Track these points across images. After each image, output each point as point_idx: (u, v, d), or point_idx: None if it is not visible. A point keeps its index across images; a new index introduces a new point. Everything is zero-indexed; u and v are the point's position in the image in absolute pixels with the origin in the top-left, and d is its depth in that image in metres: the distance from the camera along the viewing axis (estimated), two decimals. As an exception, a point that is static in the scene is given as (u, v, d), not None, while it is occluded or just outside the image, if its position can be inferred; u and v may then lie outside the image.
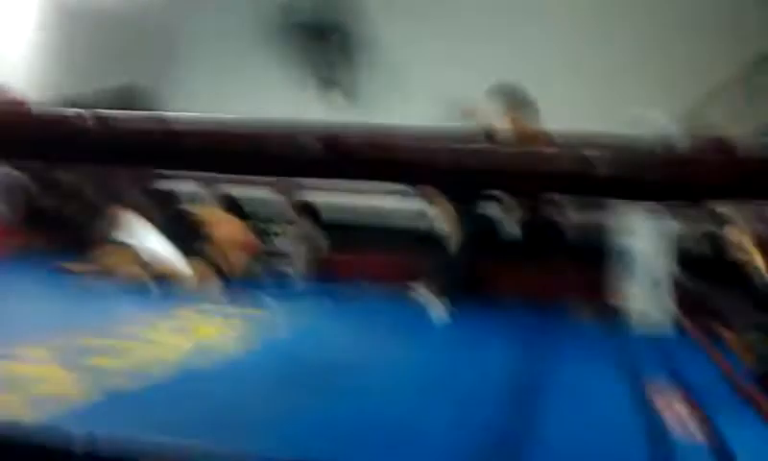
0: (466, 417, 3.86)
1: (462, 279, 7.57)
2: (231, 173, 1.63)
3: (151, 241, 7.78)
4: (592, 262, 8.07)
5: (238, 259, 8.12)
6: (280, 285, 8.07)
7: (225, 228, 8.20)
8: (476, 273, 7.87)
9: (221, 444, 3.03)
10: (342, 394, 4.14)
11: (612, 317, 7.25)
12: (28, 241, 9.28)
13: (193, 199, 8.75)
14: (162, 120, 1.51)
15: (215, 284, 7.57)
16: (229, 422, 3.50)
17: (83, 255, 7.89)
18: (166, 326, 5.61)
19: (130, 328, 5.32)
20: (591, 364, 5.37)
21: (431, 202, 7.97)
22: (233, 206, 8.71)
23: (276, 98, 9.20)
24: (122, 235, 7.86)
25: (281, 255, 8.71)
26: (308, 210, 9.07)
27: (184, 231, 8.02)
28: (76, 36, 10.60)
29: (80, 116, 1.47)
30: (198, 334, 5.36)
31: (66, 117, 1.49)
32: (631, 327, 7.07)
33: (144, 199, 9.13)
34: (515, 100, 7.57)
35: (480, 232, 7.72)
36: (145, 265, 7.63)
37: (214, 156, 1.49)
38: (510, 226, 7.99)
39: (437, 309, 7.18)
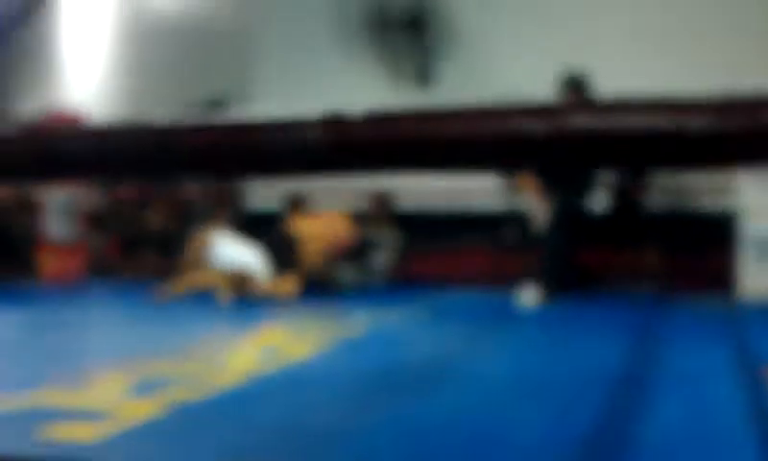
0: (565, 418, 3.54)
1: (556, 269, 7.16)
2: (230, 173, 1.38)
3: (239, 258, 7.73)
4: (696, 240, 7.70)
5: (327, 258, 7.98)
6: (366, 288, 7.90)
7: (312, 226, 8.08)
8: (572, 261, 7.44)
9: (294, 457, 2.84)
10: (428, 400, 3.87)
11: (722, 296, 6.83)
12: (106, 264, 9.37)
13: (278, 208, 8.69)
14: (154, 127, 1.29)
15: (301, 296, 7.45)
16: (307, 432, 3.28)
17: (170, 277, 7.93)
18: (250, 342, 5.46)
19: (210, 348, 5.18)
20: (702, 350, 4.98)
21: (519, 186, 7.59)
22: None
23: (360, 94, 9.03)
24: (210, 254, 7.84)
25: (368, 257, 8.53)
26: (387, 209, 8.89)
27: (276, 244, 7.96)
28: (153, 50, 10.66)
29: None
30: (281, 347, 5.18)
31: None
32: (744, 305, 6.62)
33: (232, 216, 9.14)
34: (577, 87, 7.29)
35: (574, 218, 7.28)
36: (234, 283, 7.58)
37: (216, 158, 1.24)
38: (602, 209, 7.59)
39: (531, 303, 6.86)
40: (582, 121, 1.06)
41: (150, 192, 10.23)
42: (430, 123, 1.12)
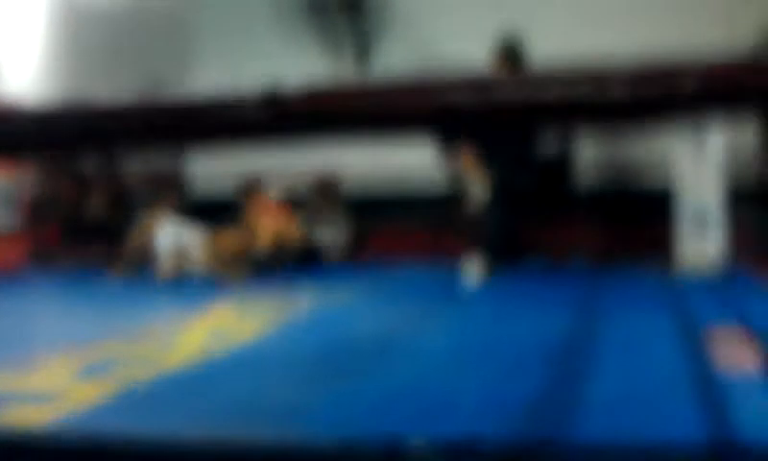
0: (508, 385, 3.62)
1: (497, 244, 7.24)
2: (171, 142, 1.41)
3: (183, 239, 7.76)
4: (635, 214, 7.87)
5: (275, 247, 8.01)
6: (313, 270, 7.94)
7: (264, 217, 8.12)
8: (511, 236, 7.54)
9: (244, 432, 2.86)
10: (374, 372, 3.93)
11: (661, 264, 6.98)
12: (47, 252, 9.27)
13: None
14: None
15: (251, 276, 7.48)
16: (256, 409, 3.31)
17: (114, 260, 7.93)
18: (198, 322, 5.46)
19: (158, 329, 5.17)
20: (643, 318, 5.09)
21: (455, 158, 7.63)
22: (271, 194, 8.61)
23: (300, 75, 9.02)
24: (155, 235, 7.85)
25: (314, 241, 8.56)
26: (330, 190, 8.94)
27: (222, 224, 7.99)
28: (87, 34, 10.51)
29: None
30: (228, 327, 5.19)
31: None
32: (683, 272, 6.78)
33: (176, 202, 9.10)
34: (510, 56, 7.44)
35: (512, 193, 7.37)
36: (179, 264, 7.60)
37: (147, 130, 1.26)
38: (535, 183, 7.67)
39: (473, 279, 6.94)
40: (507, 93, 1.12)
41: (90, 179, 10.12)
42: (364, 96, 1.17)
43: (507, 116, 1.14)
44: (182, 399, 3.56)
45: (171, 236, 7.79)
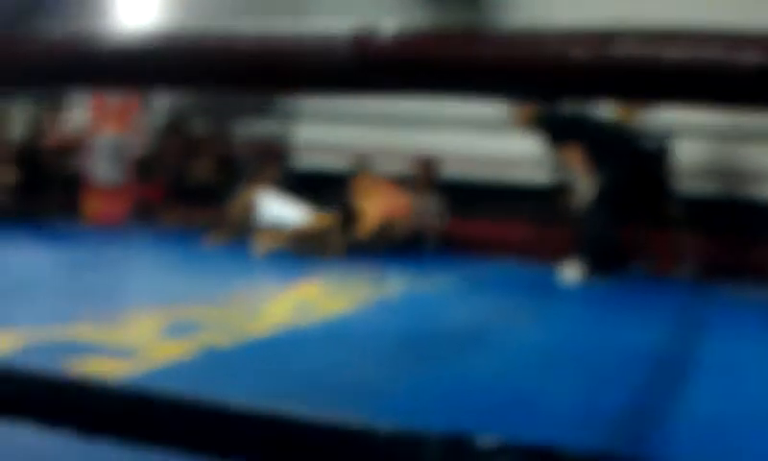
0: (598, 392, 3.46)
1: (599, 246, 6.99)
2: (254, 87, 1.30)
3: (284, 212, 7.76)
4: (743, 227, 7.53)
5: (385, 228, 7.93)
6: (412, 254, 7.84)
7: (376, 197, 8.04)
8: (614, 239, 7.24)
9: (317, 408, 2.78)
10: (458, 361, 3.81)
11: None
12: (150, 210, 9.41)
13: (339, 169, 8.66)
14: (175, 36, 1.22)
15: (348, 252, 7.44)
16: (335, 387, 3.24)
17: (214, 225, 7.99)
18: (286, 295, 5.43)
19: (246, 298, 5.15)
20: (744, 339, 4.85)
21: (565, 158, 7.39)
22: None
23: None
24: (256, 208, 7.87)
25: (419, 224, 8.45)
26: (431, 172, 8.79)
27: (326, 200, 7.96)
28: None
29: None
30: (316, 302, 5.14)
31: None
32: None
33: (279, 173, 9.13)
34: None
35: (618, 194, 7.08)
36: (277, 239, 7.60)
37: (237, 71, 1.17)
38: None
39: (572, 279, 6.74)
40: (628, 49, 0.98)
41: (198, 141, 10.23)
42: (469, 44, 1.04)
43: (626, 75, 0.99)
44: (259, 366, 3.51)
45: (272, 210, 7.79)
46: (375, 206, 7.95)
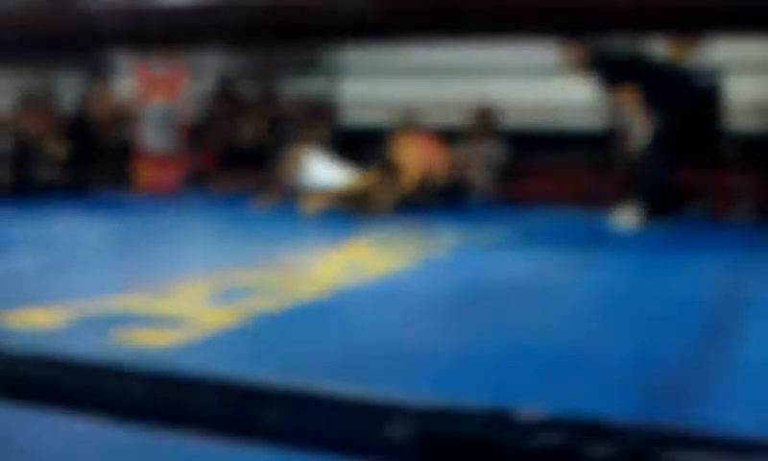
0: (654, 340, 3.36)
1: (654, 191, 6.81)
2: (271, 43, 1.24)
3: (331, 173, 7.72)
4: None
5: (424, 181, 7.86)
6: (461, 207, 7.75)
7: (413, 150, 7.97)
8: (670, 183, 7.05)
9: (365, 373, 2.75)
10: (516, 319, 3.74)
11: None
12: (201, 176, 9.42)
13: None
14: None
15: (393, 211, 7.37)
16: (387, 349, 3.18)
17: (263, 189, 7.98)
18: (334, 256, 5.39)
19: (294, 261, 5.12)
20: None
21: (620, 102, 7.19)
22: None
23: None
24: (302, 173, 7.84)
25: (466, 176, 8.36)
26: (489, 122, 8.67)
27: (373, 161, 7.90)
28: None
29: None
30: (364, 262, 5.08)
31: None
32: None
33: (327, 132, 9.08)
34: None
35: (674, 137, 6.87)
36: (325, 197, 7.56)
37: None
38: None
39: (627, 225, 6.59)
40: None
41: (246, 106, 10.21)
42: None
43: (664, 19, 0.89)
44: (307, 331, 3.47)
45: (320, 172, 7.75)
46: (413, 160, 7.87)
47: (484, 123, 8.69)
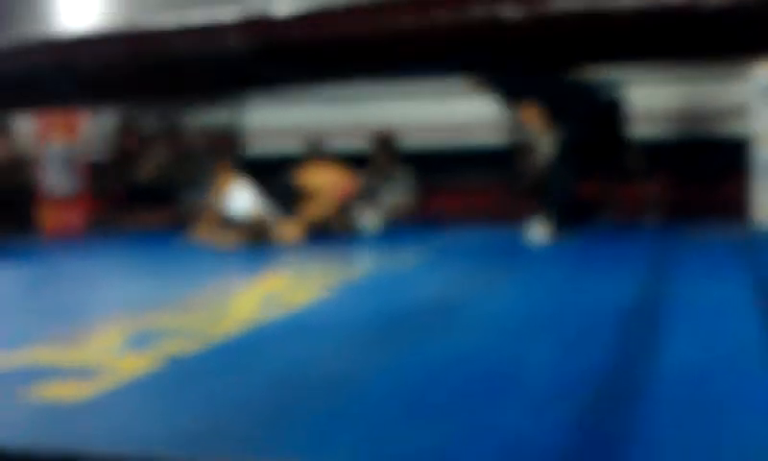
0: (577, 355, 3.39)
1: (563, 203, 6.90)
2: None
3: (245, 204, 7.61)
4: (707, 168, 7.49)
5: (335, 209, 7.82)
6: (370, 233, 7.73)
7: (322, 178, 7.92)
8: (577, 194, 7.16)
9: (299, 408, 2.70)
10: (437, 341, 3.72)
11: (735, 225, 6.64)
12: (108, 216, 9.22)
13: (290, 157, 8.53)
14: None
15: (306, 240, 7.32)
16: (311, 382, 3.13)
17: (177, 226, 7.85)
18: (252, 289, 5.31)
19: (210, 298, 5.03)
20: (717, 282, 4.80)
21: (523, 118, 7.28)
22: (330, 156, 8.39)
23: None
24: (216, 201, 7.73)
25: (372, 202, 8.34)
26: (390, 146, 8.66)
27: (281, 190, 7.82)
28: None
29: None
30: (284, 294, 5.02)
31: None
32: (758, 231, 6.43)
33: (236, 162, 8.99)
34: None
35: (578, 149, 6.98)
36: (239, 229, 7.46)
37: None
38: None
39: (539, 239, 6.67)
40: (568, 4, 0.86)
41: (149, 140, 10.04)
42: (378, 16, 0.91)
43: (565, 33, 0.87)
44: (226, 371, 3.40)
45: (240, 202, 7.63)
46: (325, 187, 7.83)
47: (386, 149, 8.69)
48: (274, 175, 8.02)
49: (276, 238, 7.30)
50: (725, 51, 0.85)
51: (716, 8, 0.80)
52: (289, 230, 7.36)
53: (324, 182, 7.89)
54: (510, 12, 0.86)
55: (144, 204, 9.29)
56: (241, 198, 7.63)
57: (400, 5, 0.89)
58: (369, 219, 7.90)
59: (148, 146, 9.92)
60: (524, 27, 0.86)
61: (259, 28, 0.90)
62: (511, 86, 6.97)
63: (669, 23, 0.84)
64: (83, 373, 3.34)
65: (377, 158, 8.58)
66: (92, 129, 9.88)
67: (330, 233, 7.56)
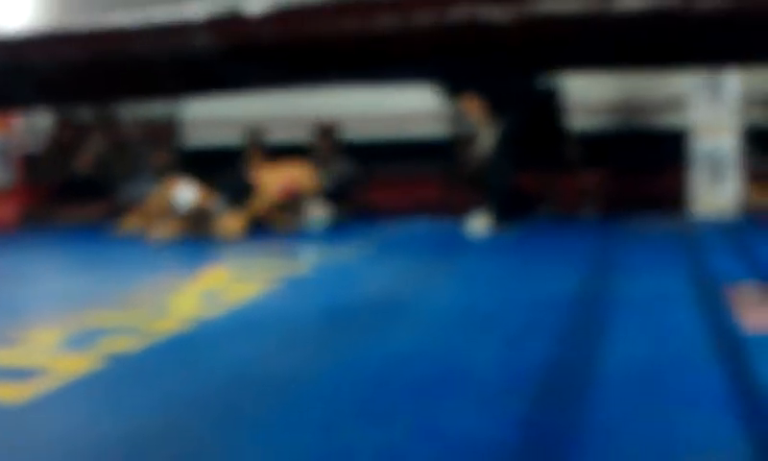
0: (521, 347, 3.41)
1: (503, 195, 6.91)
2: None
3: (187, 197, 7.49)
4: (645, 159, 7.59)
5: (282, 205, 7.71)
6: (318, 228, 7.67)
7: (270, 174, 7.80)
8: (517, 186, 7.18)
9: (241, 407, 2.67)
10: (381, 337, 3.71)
11: (674, 216, 6.74)
12: (42, 210, 9.02)
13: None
14: None
15: (248, 235, 7.23)
16: (253, 380, 3.10)
17: (114, 219, 7.73)
18: (191, 286, 5.24)
19: (150, 295, 4.94)
20: (658, 273, 4.86)
21: (464, 109, 7.28)
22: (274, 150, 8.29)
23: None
24: (173, 200, 7.57)
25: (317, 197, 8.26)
26: (332, 136, 8.58)
27: (229, 184, 7.69)
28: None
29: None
30: (224, 290, 4.96)
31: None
32: (697, 220, 6.54)
33: (171, 153, 8.87)
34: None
35: (518, 141, 6.99)
36: (180, 220, 7.35)
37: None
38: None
39: (480, 231, 6.69)
40: (554, 6, 0.85)
41: (85, 131, 9.84)
42: (347, 16, 0.88)
43: (546, 33, 0.86)
44: (168, 370, 3.35)
45: (190, 193, 7.49)
46: (274, 180, 7.73)
47: (327, 139, 8.61)
48: (216, 167, 7.91)
49: (218, 231, 7.21)
50: (710, 55, 0.85)
51: (708, 10, 0.80)
52: (231, 223, 7.27)
53: (273, 177, 7.78)
54: (489, 15, 0.84)
55: (80, 196, 9.11)
56: (185, 189, 7.52)
57: (371, 5, 0.87)
58: (316, 214, 7.79)
59: (84, 138, 9.73)
60: (505, 29, 0.84)
61: (229, 27, 0.87)
62: (452, 78, 6.96)
63: (662, 26, 0.83)
64: (24, 373, 3.26)
65: (319, 150, 8.52)
66: (27, 120, 9.66)
67: (274, 228, 7.48)
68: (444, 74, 6.84)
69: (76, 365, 3.38)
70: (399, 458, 2.33)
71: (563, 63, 1.10)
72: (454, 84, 6.94)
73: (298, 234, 7.24)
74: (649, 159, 7.65)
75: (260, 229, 7.38)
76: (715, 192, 6.67)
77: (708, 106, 6.73)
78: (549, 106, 7.34)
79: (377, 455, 2.35)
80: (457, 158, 7.62)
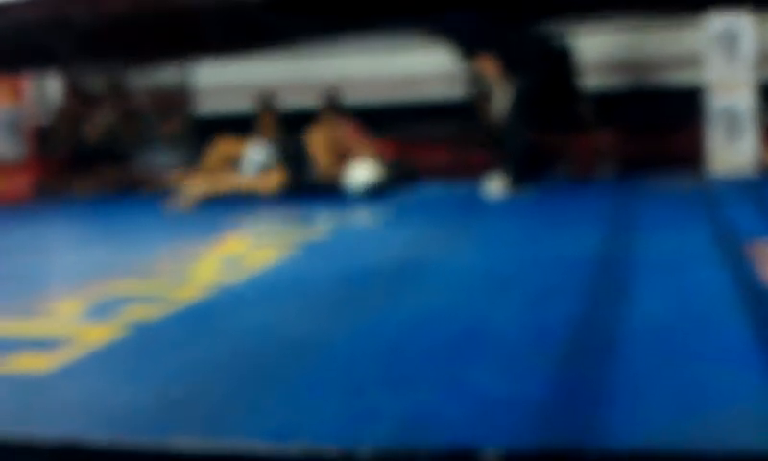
0: (543, 309, 3.40)
1: (520, 156, 6.87)
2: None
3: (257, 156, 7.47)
4: (659, 118, 7.53)
5: (333, 167, 7.58)
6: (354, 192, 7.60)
7: (321, 136, 7.69)
8: (534, 147, 7.14)
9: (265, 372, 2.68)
10: (402, 300, 3.71)
11: (691, 175, 6.70)
12: (57, 181, 9.02)
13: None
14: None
15: (291, 196, 7.20)
16: (276, 345, 3.11)
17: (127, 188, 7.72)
18: (212, 252, 5.24)
19: (170, 263, 4.95)
20: (679, 232, 4.83)
21: (478, 70, 7.20)
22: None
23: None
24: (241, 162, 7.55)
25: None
26: (336, 103, 8.49)
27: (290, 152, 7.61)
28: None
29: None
30: (244, 256, 4.97)
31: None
32: (714, 180, 6.50)
33: (183, 121, 8.86)
34: None
35: (534, 101, 6.93)
36: (212, 185, 7.32)
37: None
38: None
39: (497, 193, 6.66)
40: None
41: (96, 101, 9.82)
42: None
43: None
44: (190, 336, 3.36)
45: (257, 160, 7.46)
46: (322, 147, 7.61)
47: (332, 104, 8.53)
48: (229, 133, 7.87)
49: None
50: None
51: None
52: (268, 180, 7.26)
53: (327, 140, 7.66)
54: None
55: (93, 166, 9.11)
56: (254, 155, 7.49)
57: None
58: (355, 178, 7.60)
59: (95, 107, 9.72)
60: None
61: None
62: (466, 37, 6.90)
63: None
64: (49, 343, 3.28)
65: (324, 116, 8.47)
66: (38, 91, 9.65)
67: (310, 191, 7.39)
68: (458, 33, 6.83)
69: (100, 334, 3.39)
70: (426, 418, 2.33)
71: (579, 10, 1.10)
72: (468, 43, 6.89)
73: (311, 201, 7.20)
74: (664, 118, 7.59)
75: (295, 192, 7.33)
76: (732, 149, 6.63)
77: (724, 62, 6.67)
78: (563, 65, 7.29)
79: (403, 416, 2.35)
80: (475, 119, 7.56)
